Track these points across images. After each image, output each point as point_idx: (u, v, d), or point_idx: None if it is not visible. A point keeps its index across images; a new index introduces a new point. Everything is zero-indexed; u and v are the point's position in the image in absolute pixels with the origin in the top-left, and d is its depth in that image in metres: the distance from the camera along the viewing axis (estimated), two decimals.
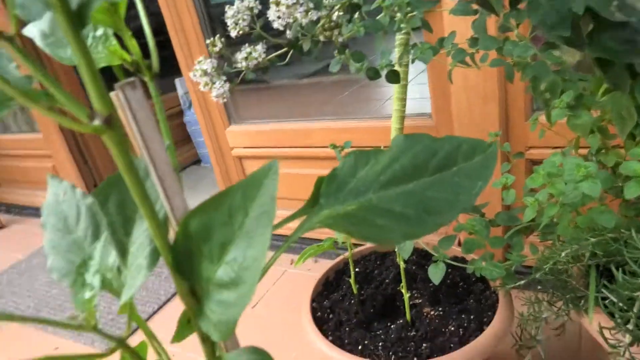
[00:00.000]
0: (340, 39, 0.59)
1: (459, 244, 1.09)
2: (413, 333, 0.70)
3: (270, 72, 0.61)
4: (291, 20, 0.52)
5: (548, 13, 0.44)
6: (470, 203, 0.30)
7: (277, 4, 0.53)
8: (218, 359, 0.29)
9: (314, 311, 0.79)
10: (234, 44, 0.62)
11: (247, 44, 0.58)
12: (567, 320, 0.63)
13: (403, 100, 0.84)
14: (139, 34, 0.32)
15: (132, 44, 0.30)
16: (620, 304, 0.51)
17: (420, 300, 0.78)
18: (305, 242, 1.37)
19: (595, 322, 0.54)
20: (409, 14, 0.58)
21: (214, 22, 1.32)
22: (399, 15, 0.58)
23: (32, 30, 0.30)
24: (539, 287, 0.66)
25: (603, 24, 0.46)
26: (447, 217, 0.30)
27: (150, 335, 0.34)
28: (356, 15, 0.59)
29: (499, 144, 0.85)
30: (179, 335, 0.30)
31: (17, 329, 1.34)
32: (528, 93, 0.88)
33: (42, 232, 0.35)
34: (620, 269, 0.52)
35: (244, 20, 0.54)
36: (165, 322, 1.24)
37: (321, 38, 0.59)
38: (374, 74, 0.62)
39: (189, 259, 0.27)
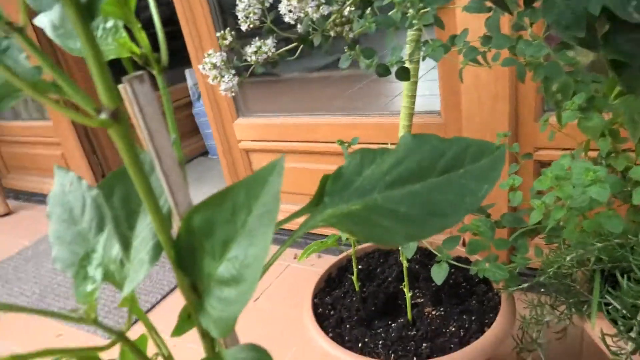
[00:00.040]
0: (351, 35, 0.58)
1: (463, 244, 1.09)
2: (414, 332, 0.70)
3: (280, 64, 0.61)
4: (302, 15, 0.52)
5: (563, 13, 0.43)
6: (476, 205, 0.30)
7: None
8: (217, 355, 0.29)
9: (315, 307, 0.79)
10: (244, 37, 0.62)
11: (257, 38, 0.57)
12: (569, 325, 0.62)
13: (412, 97, 0.84)
14: (149, 25, 0.32)
15: (142, 36, 0.29)
16: (624, 312, 0.50)
17: (422, 300, 0.78)
18: (309, 237, 1.37)
19: (597, 328, 0.53)
20: (422, 11, 0.58)
21: (225, 13, 1.31)
22: (411, 11, 0.57)
23: (43, 21, 0.30)
24: (542, 289, 0.66)
25: (619, 25, 0.45)
26: (452, 219, 0.30)
27: (151, 328, 0.34)
28: (368, 10, 0.58)
29: (508, 144, 0.84)
30: (179, 330, 0.30)
31: (22, 314, 1.36)
32: (539, 93, 0.87)
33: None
34: (625, 275, 0.51)
35: (254, 13, 0.53)
36: (168, 313, 1.25)
37: (332, 33, 0.58)
38: (383, 71, 0.61)
39: (191, 255, 0.27)
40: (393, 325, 0.73)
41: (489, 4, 0.56)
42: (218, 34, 0.58)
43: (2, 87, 0.25)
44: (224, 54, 0.56)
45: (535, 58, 0.55)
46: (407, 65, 0.62)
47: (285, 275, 1.31)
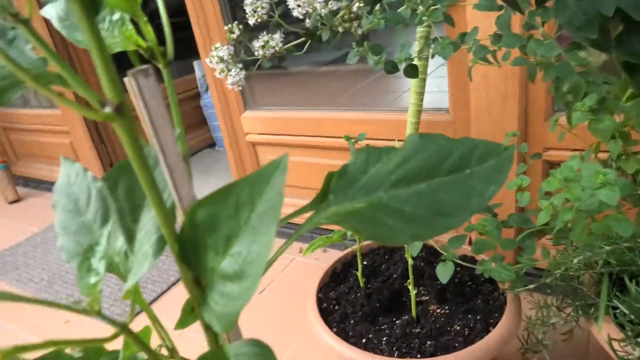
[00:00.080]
0: (359, 31, 0.58)
1: (470, 243, 1.08)
2: (418, 330, 0.70)
3: (288, 58, 0.61)
4: (310, 10, 0.52)
5: (575, 13, 0.43)
6: (483, 206, 0.30)
7: None
8: (220, 349, 0.29)
9: (319, 302, 0.79)
10: (252, 31, 0.62)
11: (264, 32, 0.57)
12: (575, 327, 0.62)
13: (421, 94, 0.83)
14: (156, 16, 0.32)
15: (148, 29, 0.29)
16: (632, 316, 0.50)
17: (426, 298, 0.77)
18: (315, 231, 1.38)
19: (604, 332, 0.53)
20: (432, 7, 0.57)
21: (234, 6, 1.31)
22: (421, 8, 0.57)
23: (50, 12, 0.30)
24: (549, 291, 0.65)
25: (633, 26, 0.44)
26: (458, 219, 0.30)
27: (154, 320, 0.34)
28: (377, 7, 0.58)
29: (516, 144, 0.84)
30: (182, 323, 0.30)
31: None
32: (550, 94, 0.86)
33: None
34: (634, 280, 0.51)
35: (262, 8, 0.53)
36: (174, 303, 1.26)
37: (340, 29, 0.58)
38: (391, 68, 0.61)
39: (194, 249, 0.27)
40: (397, 322, 0.73)
41: (500, 2, 0.55)
42: (226, 27, 0.58)
43: (7, 78, 0.25)
44: (232, 48, 0.56)
45: (546, 58, 0.54)
46: (415, 62, 0.62)
47: (290, 268, 1.31)
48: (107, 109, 0.23)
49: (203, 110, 2.32)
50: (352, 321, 0.74)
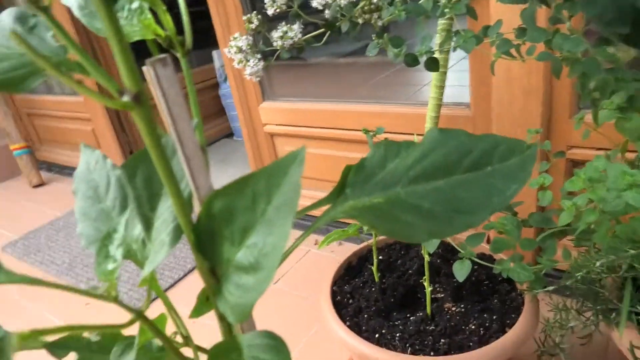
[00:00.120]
0: (379, 23, 0.57)
1: (488, 242, 1.07)
2: (432, 327, 0.70)
3: (307, 49, 0.60)
4: (330, 0, 0.51)
5: (607, 7, 0.41)
6: (503, 205, 0.29)
7: None
8: (234, 339, 0.29)
9: (333, 295, 0.79)
10: (271, 21, 0.61)
11: (283, 22, 0.57)
12: (594, 331, 0.60)
13: (441, 87, 0.82)
14: (175, 5, 0.32)
15: (166, 19, 0.29)
16: None
17: (442, 295, 0.77)
18: (331, 224, 1.37)
19: (625, 338, 0.51)
20: None
21: None
22: (443, 0, 0.55)
23: (70, 0, 0.30)
24: (568, 292, 0.64)
25: None
26: (477, 218, 0.29)
27: (170, 307, 0.34)
28: None
29: (539, 141, 0.82)
30: (197, 311, 0.31)
31: (52, 281, 1.41)
32: (575, 90, 0.83)
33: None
34: None
35: None
36: (190, 290, 1.27)
37: (360, 20, 0.57)
38: (412, 61, 0.60)
39: (210, 239, 0.27)
40: (411, 318, 0.73)
41: None
42: (244, 17, 0.57)
43: (27, 66, 0.25)
44: (250, 38, 0.56)
45: (573, 53, 0.52)
46: (436, 55, 0.60)
47: (306, 260, 1.31)
48: (126, 98, 0.23)
49: (221, 100, 2.33)
50: (365, 315, 0.74)
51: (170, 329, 0.35)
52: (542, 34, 0.53)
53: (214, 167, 2.05)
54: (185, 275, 1.34)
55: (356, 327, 0.72)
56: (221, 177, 1.93)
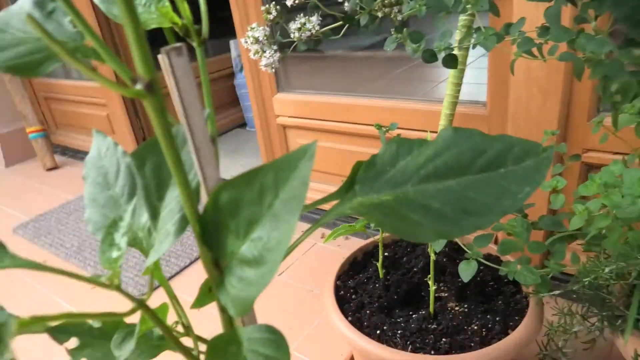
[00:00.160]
0: (399, 17, 0.56)
1: (496, 242, 1.06)
2: (434, 326, 0.69)
3: (324, 41, 0.59)
4: None
5: (637, 7, 0.40)
6: (515, 208, 0.29)
7: None
8: (234, 331, 0.29)
9: (337, 289, 0.79)
10: (289, 12, 0.61)
11: (302, 14, 0.56)
12: (599, 337, 0.60)
13: (458, 85, 0.81)
14: None
15: (184, 7, 0.29)
16: None
17: (446, 294, 0.76)
18: (339, 218, 1.37)
19: (630, 346, 0.51)
20: None
21: None
22: None
23: None
24: (574, 296, 0.63)
25: None
26: (486, 220, 0.29)
27: (172, 297, 0.35)
28: None
29: (555, 144, 0.80)
30: (199, 302, 0.31)
31: (61, 265, 1.43)
32: (596, 93, 0.82)
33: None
34: None
35: None
36: (195, 278, 1.28)
37: (379, 14, 0.56)
38: (430, 57, 0.59)
39: (215, 231, 0.27)
40: (414, 316, 0.72)
41: None
42: (263, 8, 0.57)
43: (43, 50, 0.25)
44: (267, 29, 0.55)
45: (596, 54, 0.51)
46: (455, 52, 0.59)
47: (311, 253, 1.31)
48: (138, 86, 0.22)
49: (236, 89, 2.33)
50: (368, 311, 0.74)
51: (173, 317, 0.35)
52: (566, 34, 0.52)
53: (226, 157, 2.05)
54: (191, 263, 1.35)
55: (358, 323, 0.72)
56: (233, 167, 1.93)
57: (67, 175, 2.14)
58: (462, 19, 0.70)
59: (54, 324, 0.22)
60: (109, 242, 0.25)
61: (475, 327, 0.68)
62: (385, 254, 0.87)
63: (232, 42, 2.21)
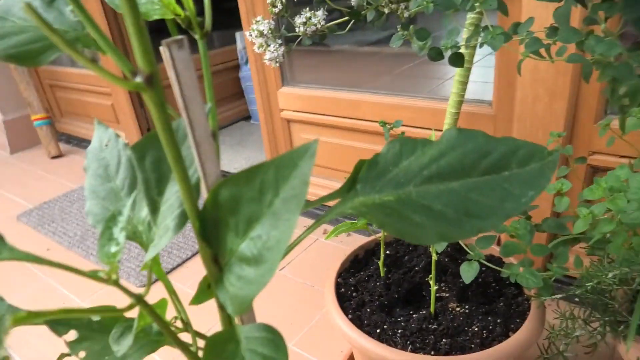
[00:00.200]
0: (406, 14, 0.55)
1: (498, 243, 1.05)
2: (435, 326, 0.69)
3: (330, 36, 0.59)
4: None
5: None
6: (518, 211, 0.28)
7: None
8: (232, 329, 0.29)
9: (338, 286, 0.79)
10: (295, 5, 0.60)
11: (307, 8, 0.56)
12: (600, 341, 0.59)
13: (464, 83, 0.80)
14: None
15: None
16: None
17: (447, 295, 0.76)
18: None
19: (632, 353, 0.50)
20: None
21: None
22: None
23: None
24: (577, 299, 0.62)
25: None
26: (489, 223, 0.28)
27: (172, 292, 0.34)
28: None
29: (561, 146, 0.79)
30: (198, 299, 0.30)
31: (64, 254, 1.44)
32: (603, 95, 0.81)
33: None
34: None
35: None
36: (197, 271, 1.29)
37: (386, 10, 0.55)
38: (436, 55, 0.58)
39: (215, 228, 0.27)
40: (414, 316, 0.72)
41: None
42: (269, 1, 0.56)
43: (43, 40, 0.25)
44: (273, 22, 0.55)
45: (605, 57, 0.50)
46: (462, 50, 0.59)
47: (313, 249, 1.31)
48: (138, 79, 0.22)
49: (241, 82, 2.33)
50: (368, 310, 0.74)
51: (173, 312, 0.35)
52: (575, 35, 0.51)
53: (230, 150, 2.05)
54: (193, 255, 1.35)
55: (358, 321, 0.72)
56: (236, 159, 1.93)
57: (71, 163, 2.14)
58: (470, 17, 0.69)
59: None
60: (107, 237, 0.24)
61: (476, 329, 0.68)
62: (387, 252, 0.86)
63: (238, 34, 2.20)
